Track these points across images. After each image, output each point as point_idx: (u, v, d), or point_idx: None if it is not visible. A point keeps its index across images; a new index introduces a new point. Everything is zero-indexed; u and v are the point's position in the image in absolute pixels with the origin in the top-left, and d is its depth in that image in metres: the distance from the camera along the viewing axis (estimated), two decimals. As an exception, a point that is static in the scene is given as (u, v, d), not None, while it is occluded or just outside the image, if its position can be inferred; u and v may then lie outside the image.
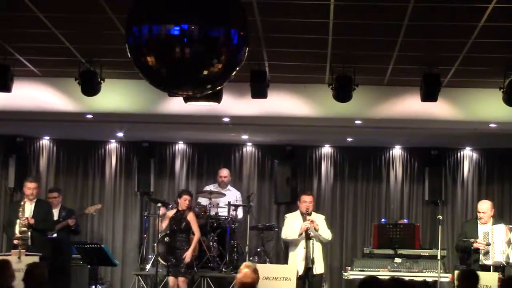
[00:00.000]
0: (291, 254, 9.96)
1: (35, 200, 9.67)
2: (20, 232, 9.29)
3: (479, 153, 12.66)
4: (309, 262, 9.67)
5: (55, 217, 10.80)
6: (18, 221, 9.38)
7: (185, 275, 9.87)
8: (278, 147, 12.70)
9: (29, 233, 9.37)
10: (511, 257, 9.37)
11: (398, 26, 7.15)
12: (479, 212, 9.67)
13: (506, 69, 8.51)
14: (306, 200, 9.94)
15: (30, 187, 9.63)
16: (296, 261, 9.77)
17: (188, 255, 9.82)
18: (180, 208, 9.99)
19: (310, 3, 6.67)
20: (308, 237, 9.71)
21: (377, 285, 5.68)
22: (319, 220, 9.96)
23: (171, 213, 10.10)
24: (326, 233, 9.95)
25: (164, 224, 10.12)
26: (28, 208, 9.54)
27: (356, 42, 7.78)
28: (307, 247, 9.71)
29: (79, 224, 11.38)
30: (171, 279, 9.86)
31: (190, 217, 9.98)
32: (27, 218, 9.38)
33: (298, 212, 10.04)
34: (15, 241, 9.30)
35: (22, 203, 9.53)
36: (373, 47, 7.91)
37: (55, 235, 10.51)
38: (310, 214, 9.88)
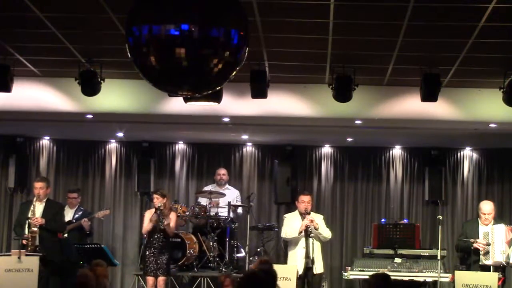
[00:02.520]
0: (291, 254, 9.97)
1: (45, 200, 9.69)
2: (30, 232, 9.30)
3: (479, 153, 12.66)
4: (309, 261, 9.68)
5: (70, 218, 10.82)
6: (28, 221, 9.39)
7: (165, 274, 9.93)
8: (278, 147, 12.71)
9: (38, 233, 9.38)
10: (511, 257, 9.37)
11: (398, 26, 7.15)
12: (484, 214, 9.61)
13: (506, 69, 8.51)
14: (305, 200, 9.96)
15: (36, 186, 9.65)
16: (295, 260, 9.78)
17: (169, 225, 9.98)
18: (155, 207, 10.10)
19: (310, 3, 6.66)
20: (307, 236, 9.72)
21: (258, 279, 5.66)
22: (318, 219, 9.97)
23: (150, 213, 10.19)
24: (326, 232, 9.96)
25: (145, 224, 10.25)
26: (39, 208, 9.56)
27: (356, 42, 7.78)
28: (306, 246, 9.72)
29: (92, 225, 11.50)
30: (150, 279, 9.92)
31: (172, 216, 10.07)
32: (36, 218, 9.39)
33: (296, 212, 10.06)
34: (24, 241, 9.30)
35: (33, 203, 9.55)
36: (373, 47, 7.91)
37: (65, 235, 10.53)
38: (309, 214, 9.89)
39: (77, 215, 11.17)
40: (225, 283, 8.07)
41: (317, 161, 12.87)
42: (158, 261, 9.93)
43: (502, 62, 8.33)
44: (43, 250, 9.18)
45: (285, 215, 10.38)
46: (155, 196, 10.17)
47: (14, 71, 8.77)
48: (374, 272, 6.42)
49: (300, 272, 9.70)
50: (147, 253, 10.08)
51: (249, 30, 4.42)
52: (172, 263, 10.54)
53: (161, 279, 9.91)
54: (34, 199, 9.61)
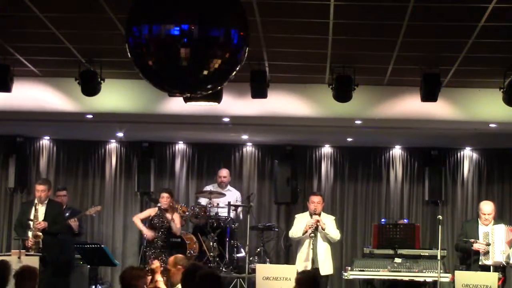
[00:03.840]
0: (298, 254, 10.00)
1: (46, 201, 9.67)
2: (34, 236, 9.27)
3: (479, 153, 12.66)
4: (314, 261, 9.68)
5: None
6: (31, 223, 9.37)
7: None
8: (278, 147, 12.70)
9: (41, 237, 9.36)
10: (511, 257, 9.37)
11: (398, 26, 7.15)
12: (484, 214, 9.60)
13: (506, 69, 8.51)
14: (314, 201, 9.95)
15: (38, 189, 9.62)
16: (302, 260, 9.79)
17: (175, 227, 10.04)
18: (162, 207, 10.12)
19: (310, 3, 6.67)
20: (312, 236, 9.70)
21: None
22: (328, 220, 9.97)
23: (153, 211, 10.18)
24: (334, 233, 9.93)
25: (142, 216, 10.31)
26: (41, 210, 9.54)
27: (356, 42, 7.79)
28: (312, 246, 9.71)
29: (82, 225, 11.45)
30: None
31: (175, 217, 10.09)
32: (39, 222, 9.36)
33: (307, 212, 10.06)
34: (27, 243, 9.28)
35: (34, 205, 9.51)
36: (373, 47, 7.91)
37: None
38: (319, 215, 9.89)
39: (67, 214, 11.07)
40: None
41: (317, 161, 12.87)
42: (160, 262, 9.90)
43: (502, 62, 8.33)
44: (44, 252, 9.17)
45: (296, 215, 10.39)
46: (165, 195, 10.14)
47: (14, 71, 8.78)
48: (303, 270, 6.41)
49: None
50: (148, 253, 10.07)
51: (249, 30, 4.42)
52: (172, 263, 10.53)
53: None
54: (36, 201, 9.59)
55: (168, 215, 10.16)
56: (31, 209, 9.52)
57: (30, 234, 9.39)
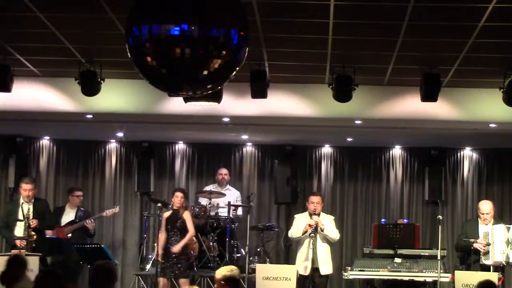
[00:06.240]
0: (298, 254, 10.00)
1: (32, 200, 9.65)
2: (29, 237, 9.26)
3: (479, 153, 12.66)
4: (314, 261, 9.68)
5: (72, 217, 10.77)
6: (22, 223, 9.35)
7: (186, 276, 9.87)
8: (278, 147, 12.70)
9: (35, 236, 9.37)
10: (511, 257, 9.38)
11: (398, 26, 7.15)
12: (483, 214, 9.63)
13: (506, 69, 8.51)
14: (314, 201, 9.96)
15: (26, 188, 9.59)
16: (302, 260, 9.80)
17: (176, 248, 9.81)
18: (174, 207, 10.00)
19: (310, 3, 6.67)
20: (312, 236, 9.70)
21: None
22: (327, 220, 9.97)
23: (167, 214, 10.10)
24: (333, 233, 9.93)
25: (162, 227, 10.05)
26: (30, 209, 9.53)
27: (356, 42, 7.79)
28: (312, 246, 9.71)
29: None
30: (161, 280, 9.83)
31: (186, 215, 10.00)
32: (33, 221, 9.34)
33: (307, 212, 10.06)
34: (20, 244, 9.25)
35: (21, 204, 9.49)
36: (373, 47, 7.92)
37: (69, 235, 10.49)
38: (318, 215, 9.89)
39: (79, 214, 11.05)
40: None
41: (317, 161, 12.86)
42: (179, 264, 9.80)
43: (502, 62, 8.33)
44: (37, 250, 9.15)
45: (296, 215, 10.40)
46: (180, 194, 10.01)
47: (14, 71, 8.78)
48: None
49: (307, 273, 9.69)
50: (164, 254, 9.88)
51: (249, 30, 4.42)
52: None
53: (182, 281, 9.79)
54: (21, 200, 9.55)
55: (186, 221, 10.02)
56: (17, 209, 9.49)
57: (16, 233, 9.38)
